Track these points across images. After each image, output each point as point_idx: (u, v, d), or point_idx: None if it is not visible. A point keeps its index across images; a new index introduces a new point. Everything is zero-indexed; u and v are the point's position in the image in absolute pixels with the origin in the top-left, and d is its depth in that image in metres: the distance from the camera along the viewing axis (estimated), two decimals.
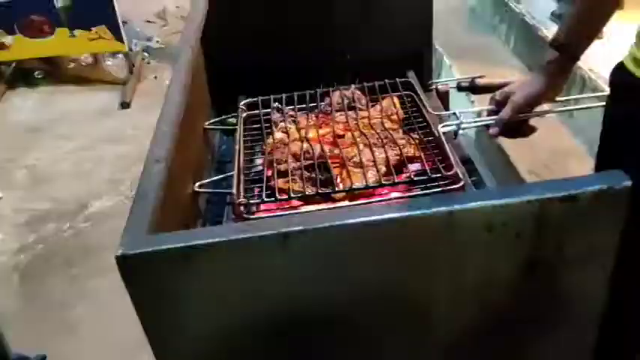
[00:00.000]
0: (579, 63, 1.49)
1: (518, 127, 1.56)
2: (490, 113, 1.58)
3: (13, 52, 4.53)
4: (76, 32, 4.47)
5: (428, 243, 0.85)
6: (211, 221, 1.40)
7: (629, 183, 0.85)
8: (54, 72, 4.77)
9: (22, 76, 4.80)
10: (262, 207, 1.38)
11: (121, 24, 4.43)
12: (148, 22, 5.59)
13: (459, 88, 1.94)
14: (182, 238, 0.82)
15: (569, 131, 3.20)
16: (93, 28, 4.45)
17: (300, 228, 0.81)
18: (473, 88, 1.92)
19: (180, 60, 1.40)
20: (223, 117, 1.73)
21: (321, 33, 1.88)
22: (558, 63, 1.46)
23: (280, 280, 0.83)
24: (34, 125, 4.29)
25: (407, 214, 0.82)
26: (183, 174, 1.30)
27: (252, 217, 1.34)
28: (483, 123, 1.60)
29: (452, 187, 1.35)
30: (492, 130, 1.54)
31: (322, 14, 1.85)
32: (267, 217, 1.34)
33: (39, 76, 4.81)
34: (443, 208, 0.82)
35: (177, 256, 0.81)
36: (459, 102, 1.97)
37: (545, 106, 1.58)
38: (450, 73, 2.31)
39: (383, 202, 1.32)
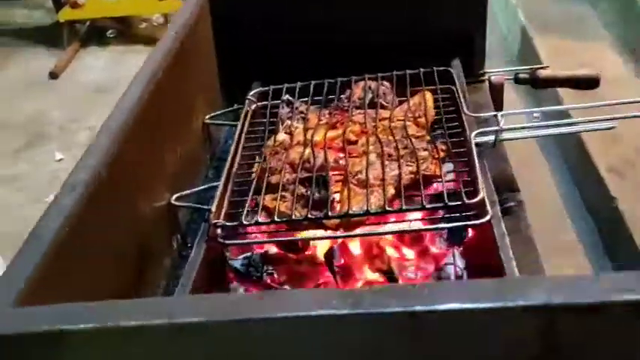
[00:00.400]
0: None
1: None
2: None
3: (86, 11, 4.56)
4: None
5: (379, 350, 0.60)
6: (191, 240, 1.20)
7: None
8: (126, 31, 4.78)
9: (95, 35, 4.81)
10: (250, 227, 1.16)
11: None
12: None
13: (517, 80, 1.61)
14: (51, 316, 0.62)
15: None
16: None
17: (200, 320, 0.58)
18: (533, 81, 1.59)
19: (160, 43, 1.18)
20: (229, 109, 1.51)
21: (354, 10, 1.59)
22: None
23: None
24: (102, 85, 4.28)
25: (345, 312, 0.58)
26: (148, 185, 1.10)
27: (227, 242, 1.13)
28: (535, 134, 1.28)
29: (473, 221, 1.07)
30: None
31: None
32: (243, 242, 1.13)
33: (111, 36, 4.82)
34: (399, 309, 0.57)
35: (45, 339, 0.61)
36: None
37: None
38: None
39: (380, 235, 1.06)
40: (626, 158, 2.64)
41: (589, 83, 1.60)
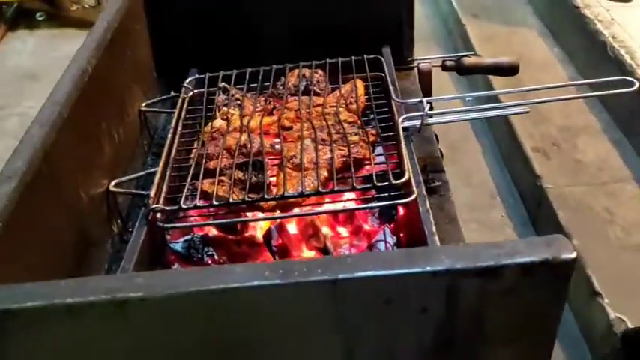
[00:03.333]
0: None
1: None
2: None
3: None
4: None
5: (311, 315, 0.66)
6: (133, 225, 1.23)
7: (572, 255, 0.64)
8: (56, 14, 4.61)
9: (23, 17, 4.64)
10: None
11: None
12: None
13: (444, 67, 1.70)
14: None
15: (585, 105, 2.91)
16: None
17: (140, 295, 0.63)
18: (459, 68, 1.69)
19: (92, 32, 1.20)
20: (165, 96, 1.54)
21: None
22: None
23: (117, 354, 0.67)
24: (31, 70, 4.15)
25: (277, 282, 0.64)
26: (86, 173, 1.12)
27: (168, 226, 1.17)
28: (456, 118, 1.38)
29: (401, 200, 1.15)
30: None
31: None
32: (183, 226, 1.17)
33: (40, 18, 4.66)
34: (325, 277, 0.64)
35: None
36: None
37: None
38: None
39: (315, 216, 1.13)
40: (552, 139, 2.81)
41: (510, 70, 1.70)
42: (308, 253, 1.29)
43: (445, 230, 1.22)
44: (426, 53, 3.64)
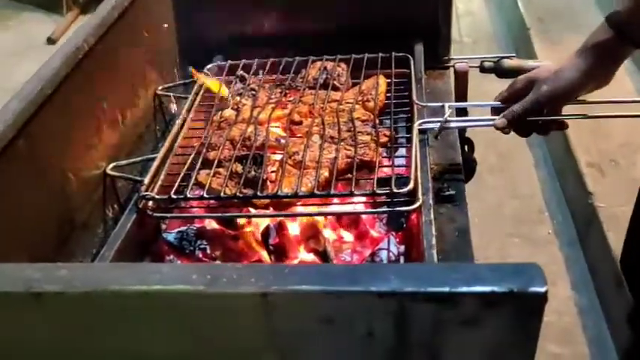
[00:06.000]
0: None
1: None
2: (494, 112, 1.24)
3: None
4: None
5: (239, 328, 0.60)
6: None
7: (542, 289, 0.54)
8: None
9: (96, 1, 4.77)
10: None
11: None
12: None
13: (482, 69, 1.58)
14: None
15: None
16: None
17: (58, 288, 0.58)
18: (498, 70, 1.56)
19: (99, 8, 1.17)
20: (183, 82, 1.50)
21: None
22: (611, 47, 1.10)
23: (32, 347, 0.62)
24: None
25: (202, 288, 0.57)
26: (77, 153, 1.10)
27: (156, 215, 1.12)
28: (476, 124, 1.27)
29: (403, 208, 1.06)
30: (499, 122, 1.20)
31: None
32: (173, 216, 1.13)
33: None
34: (252, 289, 0.56)
35: None
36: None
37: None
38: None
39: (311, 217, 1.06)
40: (610, 155, 2.61)
41: None
42: (306, 256, 1.22)
43: (452, 243, 1.12)
44: (487, 54, 3.51)
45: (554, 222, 2.63)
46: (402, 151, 1.31)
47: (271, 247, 1.22)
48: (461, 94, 1.61)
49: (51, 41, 4.39)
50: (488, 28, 3.84)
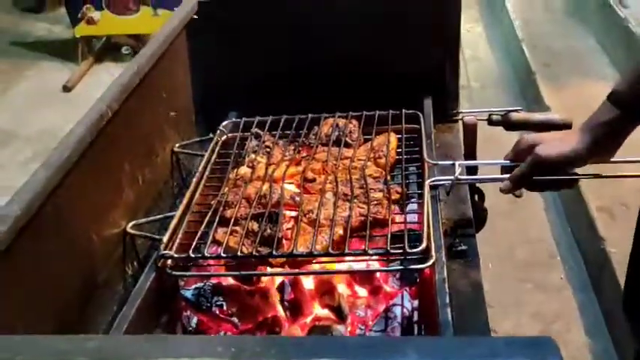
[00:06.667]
0: None
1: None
2: (503, 170, 1.27)
3: (101, 27, 4.67)
4: (160, 12, 4.55)
5: None
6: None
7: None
8: (140, 48, 4.83)
9: (110, 50, 4.92)
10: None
11: None
12: None
13: (490, 122, 1.62)
14: None
15: None
16: (176, 9, 4.46)
17: None
18: (506, 123, 1.60)
19: (121, 74, 1.22)
20: (200, 139, 1.55)
21: (332, 47, 1.62)
22: (614, 124, 1.12)
23: None
24: None
25: None
26: (100, 214, 1.13)
27: (175, 273, 1.15)
28: (486, 181, 1.30)
29: (417, 266, 1.09)
30: (503, 185, 1.24)
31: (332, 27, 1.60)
32: (192, 275, 1.16)
33: (126, 52, 4.92)
34: None
35: None
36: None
37: None
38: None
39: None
40: (620, 199, 2.62)
41: (561, 128, 1.60)
42: (321, 312, 1.24)
43: (466, 299, 1.14)
44: (495, 99, 3.56)
45: (565, 267, 2.63)
46: (414, 205, 1.33)
47: (286, 303, 1.24)
48: (470, 146, 1.64)
49: (66, 89, 4.51)
50: (495, 73, 3.91)
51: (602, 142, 1.14)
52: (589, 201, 2.58)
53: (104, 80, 4.64)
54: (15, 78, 4.71)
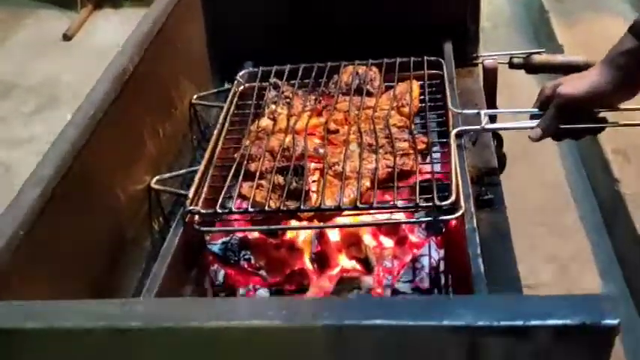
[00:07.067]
0: None
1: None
2: (532, 118, 1.24)
3: None
4: None
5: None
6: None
7: (615, 321, 0.56)
8: None
9: None
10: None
11: None
12: None
13: (511, 65, 1.59)
14: None
15: None
16: None
17: (139, 325, 0.61)
18: (527, 66, 1.57)
19: (139, 25, 1.18)
20: (217, 90, 1.51)
21: None
22: (635, 53, 1.08)
23: None
24: (114, 49, 4.27)
25: (276, 323, 0.59)
26: (125, 171, 1.12)
27: (203, 229, 1.15)
28: (513, 129, 1.28)
29: (447, 217, 1.08)
30: (533, 134, 1.21)
31: None
32: (219, 230, 1.15)
33: None
34: (327, 322, 0.59)
35: None
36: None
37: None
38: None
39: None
40: (636, 142, 2.59)
41: (582, 69, 1.56)
42: (348, 263, 1.24)
43: (494, 249, 1.13)
44: (507, 39, 3.47)
45: (580, 210, 2.63)
46: (439, 154, 1.31)
47: (313, 255, 1.24)
48: (490, 90, 1.61)
49: (67, 38, 4.42)
50: (507, 12, 3.80)
51: (624, 72, 1.10)
52: (604, 144, 2.55)
53: (104, 28, 4.56)
54: (13, 27, 4.61)
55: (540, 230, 2.55)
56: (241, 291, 1.21)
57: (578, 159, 2.79)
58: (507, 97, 1.74)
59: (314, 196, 1.15)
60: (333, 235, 1.26)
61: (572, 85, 1.16)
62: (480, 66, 1.60)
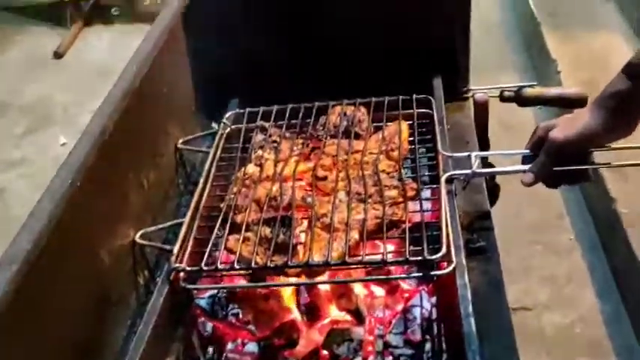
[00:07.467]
0: None
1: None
2: (524, 161, 1.21)
3: None
4: None
5: None
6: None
7: None
8: (129, 9, 4.72)
9: (99, 12, 4.77)
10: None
11: None
12: None
13: (502, 99, 1.57)
14: None
15: None
16: None
17: None
18: (519, 99, 1.55)
19: (120, 78, 1.16)
20: (203, 133, 1.49)
21: (335, 27, 1.55)
22: (627, 95, 1.06)
23: None
24: (106, 66, 4.24)
25: None
26: (108, 231, 1.10)
27: (189, 286, 1.13)
28: (504, 173, 1.26)
29: (437, 272, 1.06)
30: (526, 178, 1.19)
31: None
32: (207, 287, 1.13)
33: (115, 13, 4.78)
34: None
35: None
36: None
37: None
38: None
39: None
40: (632, 159, 2.57)
41: (578, 102, 1.54)
42: (338, 314, 1.22)
43: (487, 299, 1.11)
44: (500, 59, 3.45)
45: (575, 228, 2.61)
46: (430, 198, 1.29)
47: (303, 307, 1.22)
48: (482, 125, 1.59)
49: (58, 55, 4.39)
50: (498, 23, 3.79)
51: (617, 114, 1.07)
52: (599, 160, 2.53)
53: (95, 45, 4.53)
54: (4, 44, 4.58)
55: (536, 249, 2.53)
56: (230, 345, 1.19)
57: None
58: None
59: (301, 250, 1.12)
60: (323, 286, 1.23)
61: (565, 130, 1.13)
62: (471, 100, 1.59)
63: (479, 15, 3.75)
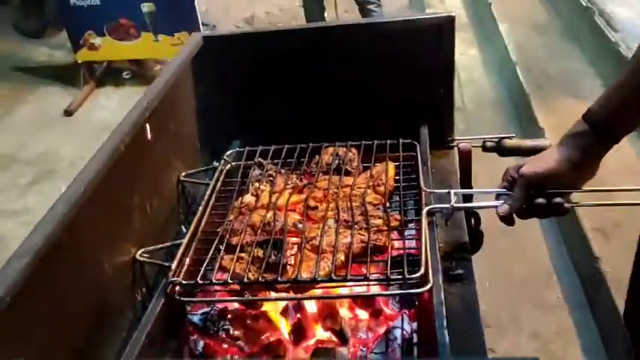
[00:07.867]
0: None
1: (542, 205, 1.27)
2: (498, 197, 1.31)
3: (103, 53, 4.72)
4: (160, 37, 4.60)
5: None
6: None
7: None
8: (140, 73, 4.94)
9: (111, 75, 4.99)
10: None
11: (202, 29, 4.47)
12: (237, 27, 5.62)
13: (484, 149, 1.68)
14: None
15: None
16: (175, 34, 4.56)
17: None
18: (499, 149, 1.67)
19: (134, 107, 1.28)
20: (205, 168, 1.60)
21: (332, 78, 1.69)
22: (588, 141, 1.16)
23: None
24: (112, 123, 4.41)
25: None
26: (112, 244, 1.19)
27: (184, 299, 1.20)
28: (481, 208, 1.35)
29: (415, 290, 1.14)
30: (501, 209, 1.28)
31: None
32: (200, 300, 1.20)
33: (127, 77, 5.00)
34: None
35: None
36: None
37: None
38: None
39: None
40: (613, 220, 2.67)
41: None
42: (323, 335, 1.28)
43: (462, 322, 1.18)
44: (490, 122, 3.61)
45: (562, 286, 2.67)
46: (413, 230, 1.39)
47: (290, 327, 1.28)
48: (465, 172, 1.70)
49: (68, 113, 4.57)
50: (491, 95, 3.98)
51: (577, 151, 1.16)
52: (583, 221, 2.63)
53: (105, 105, 4.72)
54: (16, 102, 4.77)
55: (524, 307, 2.58)
56: None
57: (559, 235, 2.86)
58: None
59: (291, 269, 1.21)
60: (310, 307, 1.31)
61: (533, 165, 1.24)
62: (456, 149, 1.71)
63: (475, 90, 3.97)
